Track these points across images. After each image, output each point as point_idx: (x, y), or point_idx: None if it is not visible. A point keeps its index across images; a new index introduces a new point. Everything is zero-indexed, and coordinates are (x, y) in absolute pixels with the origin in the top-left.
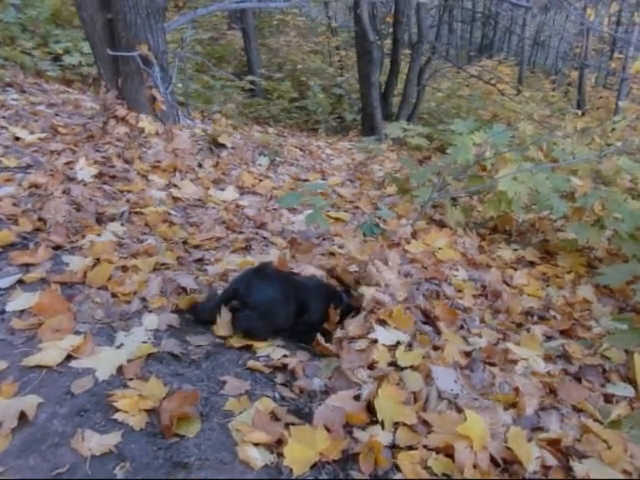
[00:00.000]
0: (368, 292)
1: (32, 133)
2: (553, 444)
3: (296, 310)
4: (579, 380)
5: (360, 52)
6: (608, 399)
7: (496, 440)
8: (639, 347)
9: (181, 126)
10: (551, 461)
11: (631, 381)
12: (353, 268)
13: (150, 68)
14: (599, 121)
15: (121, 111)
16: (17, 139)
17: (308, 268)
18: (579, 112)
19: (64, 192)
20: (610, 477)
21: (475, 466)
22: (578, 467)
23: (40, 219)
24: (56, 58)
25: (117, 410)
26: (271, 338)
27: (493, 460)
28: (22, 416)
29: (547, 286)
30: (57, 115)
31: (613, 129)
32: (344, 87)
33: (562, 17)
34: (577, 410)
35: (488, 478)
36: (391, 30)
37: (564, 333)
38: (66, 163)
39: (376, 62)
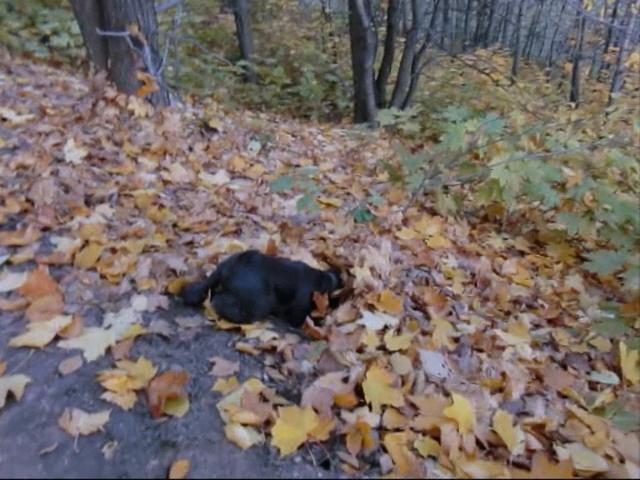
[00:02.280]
0: (360, 273)
1: (19, 114)
2: (538, 428)
3: (285, 295)
4: (565, 367)
5: (354, 38)
6: (593, 386)
7: (482, 423)
8: (625, 336)
9: (172, 109)
10: (535, 445)
11: (616, 369)
12: (342, 251)
13: (140, 49)
14: (592, 114)
15: (110, 93)
16: (4, 120)
17: (299, 252)
18: (572, 104)
19: (52, 173)
20: (593, 461)
21: (461, 448)
22: (561, 451)
23: (28, 200)
24: (44, 39)
25: (105, 390)
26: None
27: (479, 443)
28: (10, 396)
29: (536, 275)
30: (45, 96)
31: (605, 122)
32: (337, 74)
33: (558, 8)
34: (562, 396)
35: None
36: (386, 17)
37: (551, 322)
38: (54, 145)
39: (370, 48)
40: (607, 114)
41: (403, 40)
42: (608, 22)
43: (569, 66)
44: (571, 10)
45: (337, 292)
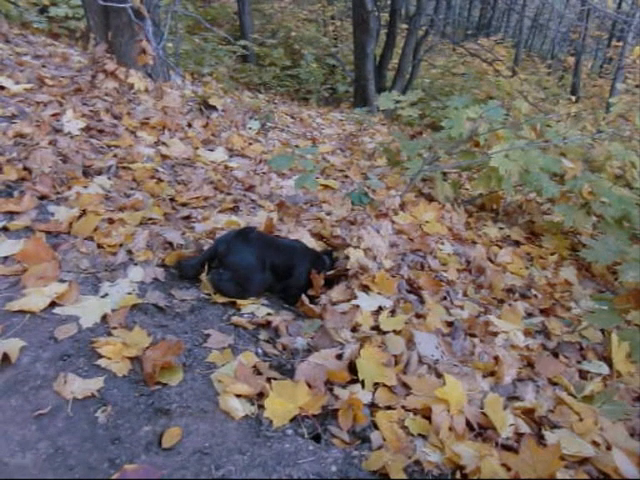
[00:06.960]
0: (354, 254)
1: (17, 83)
2: (527, 413)
3: (281, 272)
4: (556, 355)
5: (357, 21)
6: (583, 375)
7: (473, 405)
8: (617, 328)
9: (171, 84)
10: (524, 429)
11: (606, 360)
12: (339, 232)
13: (142, 22)
14: (592, 109)
15: (110, 65)
16: (2, 88)
17: (296, 231)
18: (573, 98)
19: (50, 143)
20: (580, 447)
21: (451, 429)
22: (550, 436)
23: (25, 169)
24: (42, 9)
25: (100, 356)
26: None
27: (469, 424)
28: (5, 358)
29: (531, 266)
30: (44, 67)
31: (606, 114)
32: (338, 58)
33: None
34: (553, 383)
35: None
36: (389, 2)
37: (544, 312)
38: (53, 115)
39: (372, 32)
40: (609, 105)
41: (405, 27)
42: (613, 14)
43: (571, 59)
44: (575, 3)
45: (329, 273)
